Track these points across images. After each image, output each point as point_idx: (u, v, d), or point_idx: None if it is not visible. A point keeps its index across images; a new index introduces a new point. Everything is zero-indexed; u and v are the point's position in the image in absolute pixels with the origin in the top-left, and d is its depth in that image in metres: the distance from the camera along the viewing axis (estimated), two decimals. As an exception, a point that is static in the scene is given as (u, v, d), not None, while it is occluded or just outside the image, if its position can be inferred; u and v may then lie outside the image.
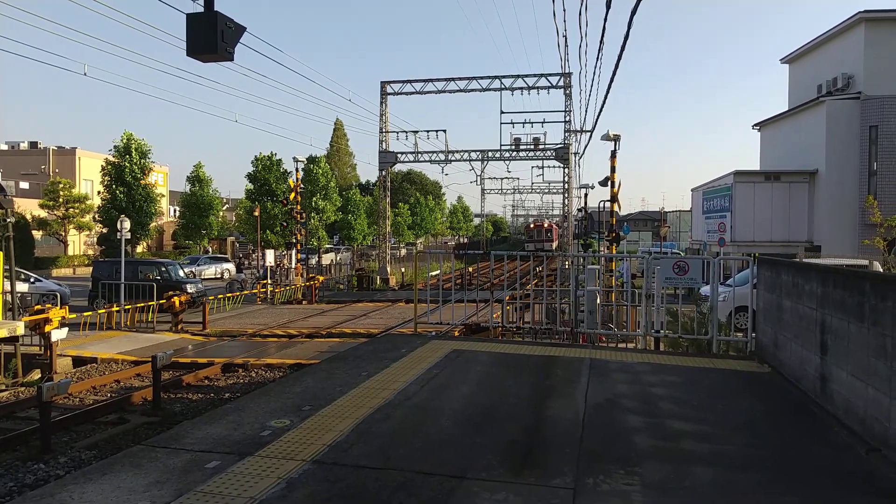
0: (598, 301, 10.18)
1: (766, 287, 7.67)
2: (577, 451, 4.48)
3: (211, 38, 6.03)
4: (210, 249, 50.64)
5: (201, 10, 6.12)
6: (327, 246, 47.94)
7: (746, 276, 13.56)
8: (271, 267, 27.88)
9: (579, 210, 39.23)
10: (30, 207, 42.30)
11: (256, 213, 35.12)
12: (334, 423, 5.06)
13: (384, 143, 34.81)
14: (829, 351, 5.42)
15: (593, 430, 4.97)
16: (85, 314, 16.43)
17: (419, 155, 34.97)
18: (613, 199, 19.54)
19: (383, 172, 36.29)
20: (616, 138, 18.67)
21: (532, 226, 68.74)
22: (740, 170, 27.06)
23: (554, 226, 66.18)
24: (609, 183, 19.63)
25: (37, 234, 41.44)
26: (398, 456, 4.35)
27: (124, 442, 7.86)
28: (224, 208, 55.55)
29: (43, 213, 42.21)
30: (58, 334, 11.97)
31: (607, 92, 12.54)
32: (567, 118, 33.10)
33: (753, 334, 8.30)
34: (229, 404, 5.76)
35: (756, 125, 32.93)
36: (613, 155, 19.03)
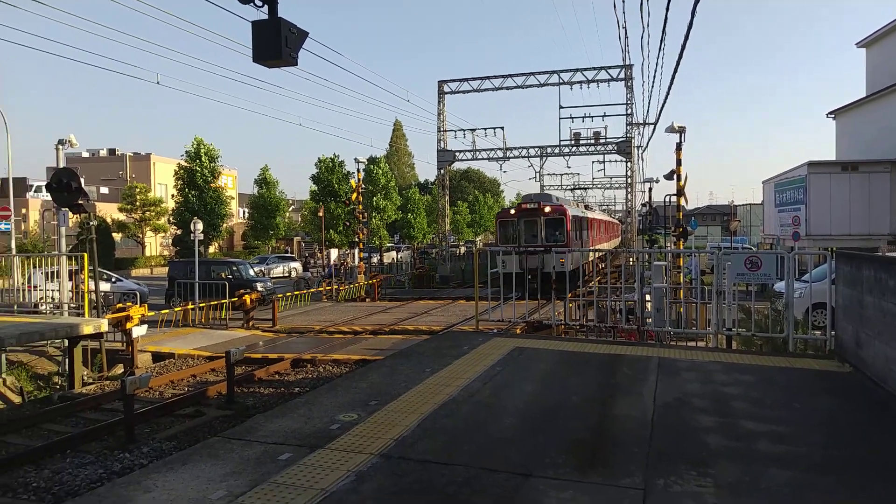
0: (666, 298, 9.92)
1: (845, 283, 7.30)
2: (646, 450, 4.39)
3: (275, 44, 6.22)
4: (290, 249, 52.26)
5: (266, 17, 6.31)
6: (388, 245, 48.64)
7: (824, 272, 12.87)
8: (335, 265, 28.50)
9: (643, 205, 38.30)
10: (109, 211, 44.75)
11: (321, 214, 35.96)
12: (400, 418, 5.14)
13: (442, 142, 34.99)
14: (917, 349, 5.12)
15: (663, 429, 4.86)
16: (162, 312, 17.25)
17: (477, 153, 35.00)
18: (680, 192, 18.99)
19: (442, 171, 36.49)
20: (681, 130, 18.12)
21: (517, 210, 25.55)
22: (815, 160, 25.75)
23: (570, 210, 26.02)
24: (675, 176, 19.07)
25: (116, 237, 43.80)
26: (463, 452, 4.38)
27: (201, 434, 8.22)
28: (290, 209, 57.15)
29: (122, 217, 44.60)
30: (138, 331, 12.62)
31: (671, 83, 12.20)
32: (629, 111, 32.43)
33: (832, 332, 7.91)
34: (299, 398, 5.93)
35: (831, 113, 31.29)
36: (679, 147, 18.48)
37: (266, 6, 6.35)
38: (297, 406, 5.58)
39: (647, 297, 10.39)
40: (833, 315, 7.89)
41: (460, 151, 35.33)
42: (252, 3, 6.33)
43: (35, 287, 13.84)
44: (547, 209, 24.10)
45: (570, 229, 23.99)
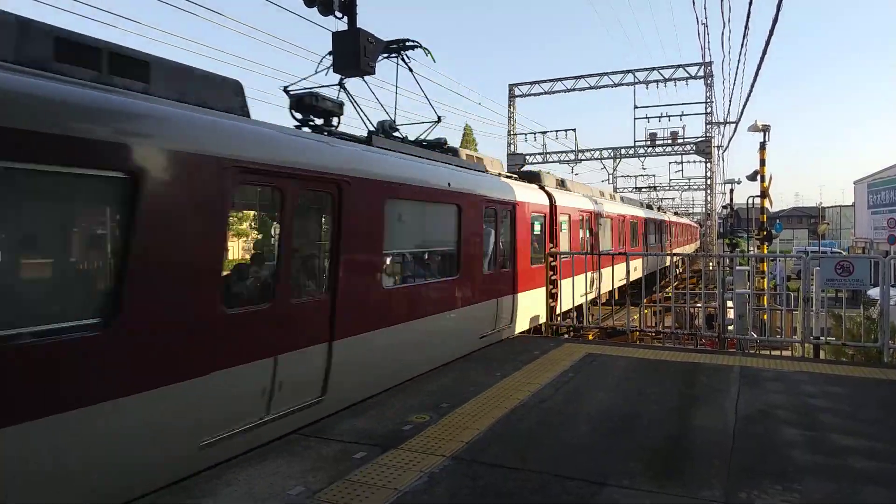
0: (749, 305, 9.50)
1: (950, 290, 6.77)
2: (726, 463, 4.23)
3: (355, 54, 6.38)
4: None
5: (345, 27, 6.50)
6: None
7: (925, 278, 12.00)
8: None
9: (724, 207, 36.87)
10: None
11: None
12: (471, 421, 5.16)
13: (512, 146, 34.85)
14: None
15: (745, 441, 4.66)
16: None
17: (548, 155, 34.62)
18: (763, 194, 18.15)
19: (513, 175, 36.29)
20: (765, 129, 17.32)
21: None
22: (915, 158, 24.04)
23: None
24: (758, 177, 18.26)
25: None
26: (535, 458, 4.35)
27: (279, 431, 8.48)
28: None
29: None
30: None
31: (754, 79, 11.73)
32: (708, 110, 31.26)
33: (935, 343, 7.36)
34: (371, 398, 6.03)
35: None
36: (762, 147, 17.66)
37: (346, 17, 6.54)
38: (369, 406, 5.70)
39: (729, 304, 9.99)
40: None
41: (530, 154, 35.03)
42: (332, 15, 6.54)
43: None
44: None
45: None
